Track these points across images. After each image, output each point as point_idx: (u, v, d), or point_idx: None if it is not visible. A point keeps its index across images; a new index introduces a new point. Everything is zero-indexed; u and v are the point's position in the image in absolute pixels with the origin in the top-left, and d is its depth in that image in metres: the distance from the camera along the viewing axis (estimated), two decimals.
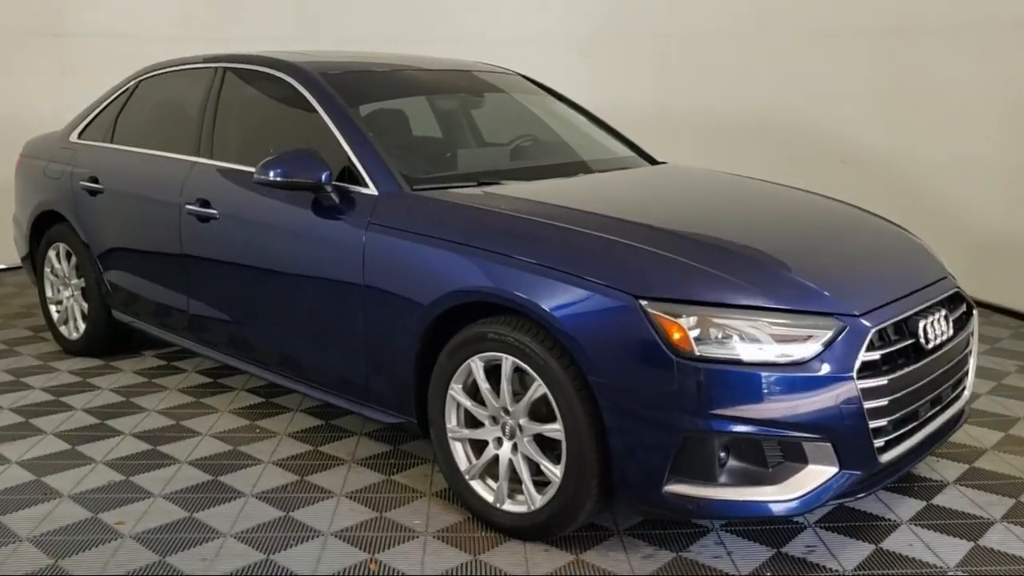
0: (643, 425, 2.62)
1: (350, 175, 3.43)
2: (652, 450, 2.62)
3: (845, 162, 6.47)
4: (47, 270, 5.01)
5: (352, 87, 3.76)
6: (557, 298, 2.74)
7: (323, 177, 3.32)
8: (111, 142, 4.64)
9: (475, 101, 4.37)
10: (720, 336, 2.58)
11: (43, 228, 5.01)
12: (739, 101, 6.68)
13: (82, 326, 4.84)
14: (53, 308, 5.05)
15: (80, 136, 4.87)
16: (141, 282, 4.34)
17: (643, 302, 2.62)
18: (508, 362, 2.88)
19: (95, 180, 4.50)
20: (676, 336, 2.57)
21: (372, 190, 3.33)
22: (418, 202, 3.25)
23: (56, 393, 4.34)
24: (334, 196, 3.36)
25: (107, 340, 4.79)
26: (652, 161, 4.25)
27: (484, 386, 2.98)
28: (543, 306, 2.74)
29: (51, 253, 4.94)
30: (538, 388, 2.81)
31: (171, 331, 4.27)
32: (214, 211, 3.81)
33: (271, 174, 3.34)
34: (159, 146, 4.30)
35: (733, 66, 6.73)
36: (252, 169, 3.67)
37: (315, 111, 3.63)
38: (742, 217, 3.38)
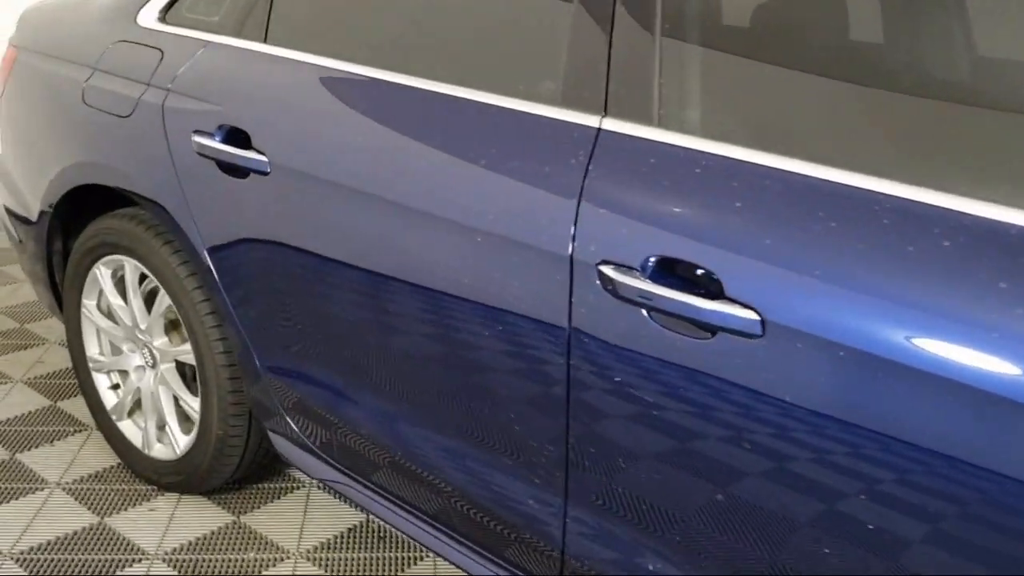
0: None
1: None
2: None
3: None
4: (89, 304, 2.38)
5: None
6: None
7: None
8: (264, 41, 1.97)
9: None
10: None
11: (79, 216, 2.37)
12: None
13: (182, 438, 2.27)
14: (101, 381, 2.44)
15: (167, 15, 2.17)
16: (390, 417, 1.76)
17: None
18: None
19: (243, 139, 1.83)
20: None
21: None
22: None
23: None
24: None
25: (242, 470, 2.25)
26: None
27: None
28: None
29: (100, 273, 2.31)
30: None
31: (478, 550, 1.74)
32: (750, 315, 1.24)
33: None
34: (442, 74, 1.66)
35: None
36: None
37: None
38: None
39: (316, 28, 1.91)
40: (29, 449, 2.51)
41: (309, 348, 1.86)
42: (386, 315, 1.68)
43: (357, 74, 1.73)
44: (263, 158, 1.79)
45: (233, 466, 2.19)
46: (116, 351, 2.39)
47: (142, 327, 2.24)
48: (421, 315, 1.62)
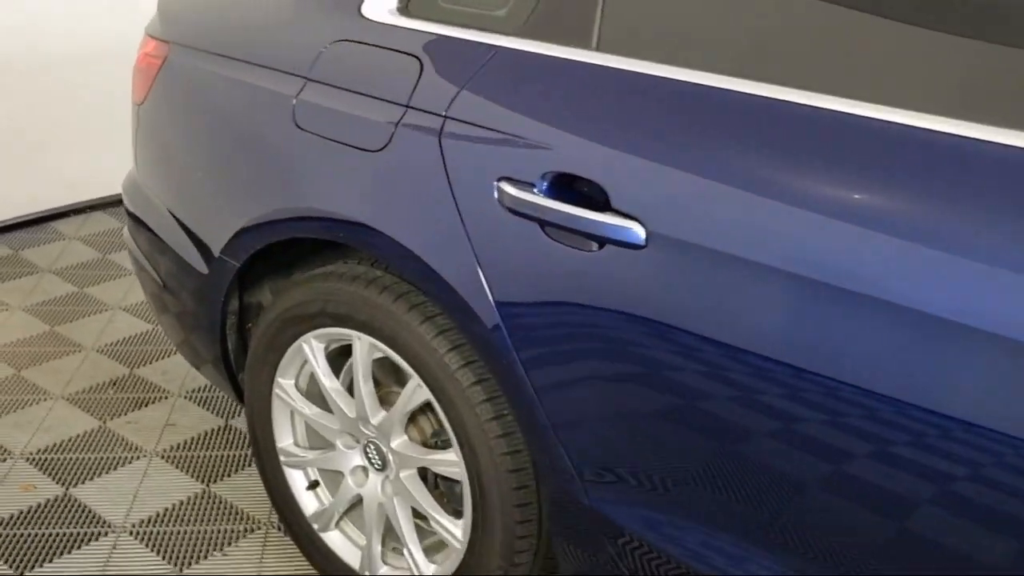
0: None
1: None
2: None
3: None
4: (286, 384, 1.82)
5: None
6: None
7: None
8: (596, 48, 1.39)
9: None
10: None
11: (269, 267, 1.83)
12: None
13: (427, 566, 1.72)
14: (296, 479, 1.89)
15: (411, 5, 1.60)
16: None
17: None
18: None
19: (591, 194, 1.26)
20: None
21: None
22: None
23: None
24: None
25: None
26: None
27: None
28: None
29: (310, 349, 1.73)
30: None
31: None
32: None
33: None
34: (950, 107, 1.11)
35: None
36: None
37: None
38: None
39: (699, 32, 1.34)
40: (197, 560, 1.97)
41: (689, 488, 1.32)
42: (843, 452, 1.15)
43: (803, 106, 1.17)
44: (634, 226, 1.23)
45: None
46: (323, 444, 1.84)
47: (373, 422, 1.69)
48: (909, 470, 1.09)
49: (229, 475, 2.25)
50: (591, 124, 1.31)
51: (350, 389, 1.75)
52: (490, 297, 1.41)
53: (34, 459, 2.28)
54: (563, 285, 1.34)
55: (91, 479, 2.21)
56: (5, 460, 2.27)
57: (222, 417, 2.49)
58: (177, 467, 2.27)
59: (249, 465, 2.28)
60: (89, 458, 2.29)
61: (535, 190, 1.32)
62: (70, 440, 2.36)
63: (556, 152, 1.32)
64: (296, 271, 1.89)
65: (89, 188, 3.86)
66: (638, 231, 1.23)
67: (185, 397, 2.57)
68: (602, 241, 1.27)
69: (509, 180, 1.35)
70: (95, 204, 3.89)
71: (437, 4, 1.57)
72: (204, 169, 1.83)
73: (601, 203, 1.27)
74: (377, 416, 1.68)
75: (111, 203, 3.90)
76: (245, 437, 2.39)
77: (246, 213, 1.71)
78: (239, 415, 2.49)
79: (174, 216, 1.95)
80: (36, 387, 2.59)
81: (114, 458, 2.30)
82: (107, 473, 2.24)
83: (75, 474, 2.23)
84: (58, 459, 2.28)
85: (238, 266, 1.76)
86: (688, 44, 1.32)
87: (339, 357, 1.77)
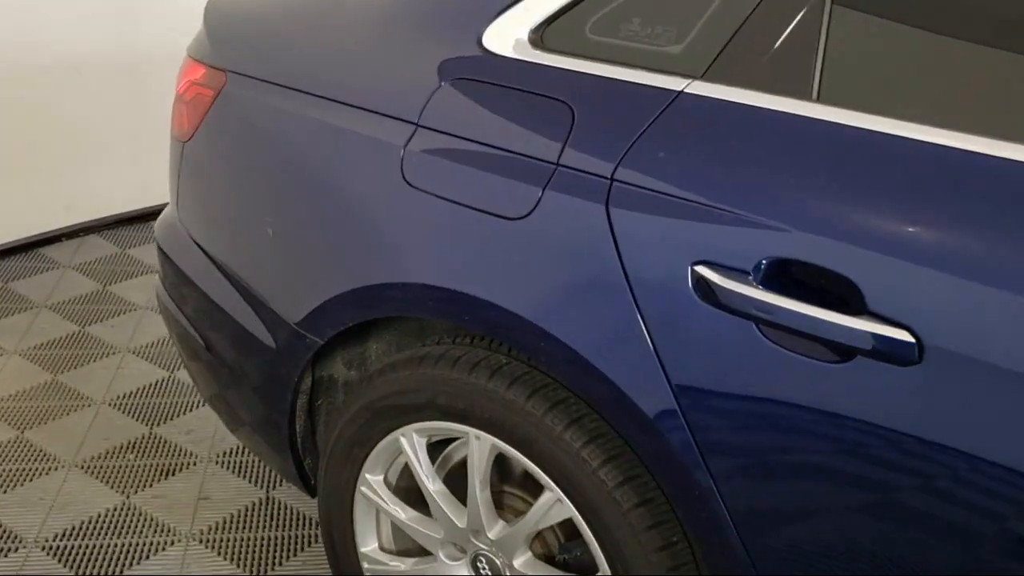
0: None
1: None
2: None
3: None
4: (374, 480, 1.53)
5: None
6: None
7: None
8: (815, 98, 1.11)
9: None
10: None
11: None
12: None
13: None
14: None
15: (547, 35, 1.32)
16: None
17: None
18: None
19: (833, 291, 0.98)
20: None
21: None
22: None
23: None
24: None
25: None
26: None
27: None
28: None
29: (410, 444, 1.43)
30: None
31: None
32: None
33: None
34: None
35: None
36: None
37: None
38: None
39: (973, 84, 1.07)
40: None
41: None
42: None
43: None
44: (903, 336, 0.96)
45: None
46: (414, 549, 1.55)
47: (490, 535, 1.40)
48: None
49: (280, 563, 1.95)
50: (834, 200, 1.03)
51: (447, 483, 1.47)
52: (675, 404, 1.13)
53: (51, 547, 1.96)
54: (786, 397, 1.06)
55: (120, 574, 1.91)
56: (17, 550, 1.95)
57: (261, 487, 2.18)
58: (219, 554, 1.97)
59: (302, 550, 1.99)
60: (115, 545, 1.98)
61: (750, 279, 1.05)
62: (90, 522, 2.04)
63: (784, 234, 1.03)
64: (372, 340, 1.61)
65: (83, 209, 3.51)
66: (909, 343, 0.96)
67: (216, 462, 2.27)
68: (852, 352, 1.00)
69: (710, 264, 1.07)
70: (89, 227, 3.53)
71: (584, 36, 1.28)
72: (275, 225, 1.53)
73: (850, 303, 0.99)
74: (495, 528, 1.40)
75: (106, 225, 3.56)
76: (291, 512, 2.10)
77: (336, 284, 1.41)
78: (280, 485, 2.19)
79: (227, 273, 1.65)
80: (44, 453, 2.27)
81: (144, 544, 1.99)
82: (137, 564, 1.93)
83: (101, 567, 1.91)
84: (79, 547, 1.97)
85: (321, 343, 1.46)
86: (958, 100, 1.05)
87: (432, 448, 1.49)
